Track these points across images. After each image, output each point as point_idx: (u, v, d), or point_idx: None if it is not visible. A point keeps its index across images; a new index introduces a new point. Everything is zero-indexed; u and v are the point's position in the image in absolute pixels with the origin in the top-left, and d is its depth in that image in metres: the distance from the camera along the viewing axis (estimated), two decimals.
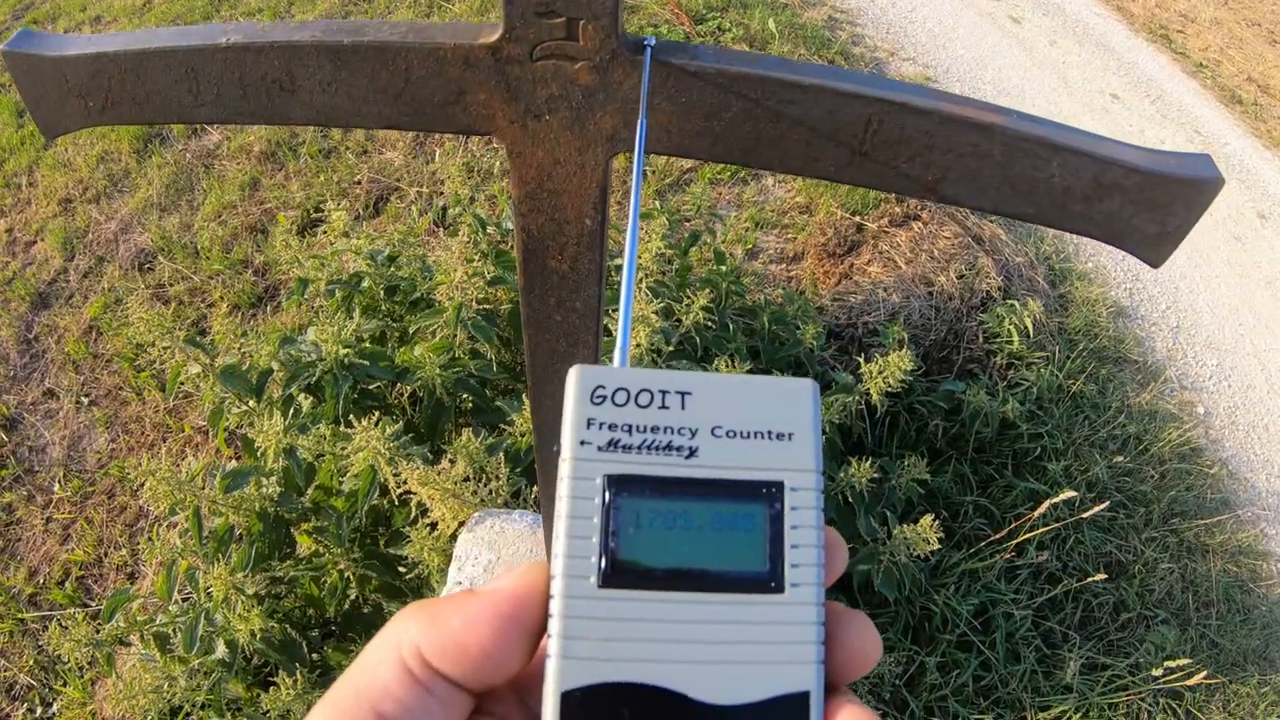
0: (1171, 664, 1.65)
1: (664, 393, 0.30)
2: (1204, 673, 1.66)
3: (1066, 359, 2.50)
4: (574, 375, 0.30)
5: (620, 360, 0.35)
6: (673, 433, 0.29)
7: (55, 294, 2.87)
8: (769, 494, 0.29)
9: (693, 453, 0.29)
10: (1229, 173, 3.87)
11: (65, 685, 1.91)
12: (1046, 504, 1.56)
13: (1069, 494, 1.54)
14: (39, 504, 2.29)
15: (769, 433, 0.30)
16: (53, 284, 2.91)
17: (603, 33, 0.49)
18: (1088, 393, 2.48)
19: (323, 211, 2.85)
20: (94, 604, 2.09)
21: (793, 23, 3.95)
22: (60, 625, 1.42)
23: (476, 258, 1.66)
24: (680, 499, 0.29)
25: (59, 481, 2.32)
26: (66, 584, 2.11)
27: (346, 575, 1.39)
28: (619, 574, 0.28)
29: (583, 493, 0.28)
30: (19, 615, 2.07)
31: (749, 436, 0.30)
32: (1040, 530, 1.84)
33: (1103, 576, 1.75)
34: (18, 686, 1.98)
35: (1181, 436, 2.55)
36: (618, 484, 0.28)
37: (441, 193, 2.93)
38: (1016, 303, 2.42)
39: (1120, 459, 2.25)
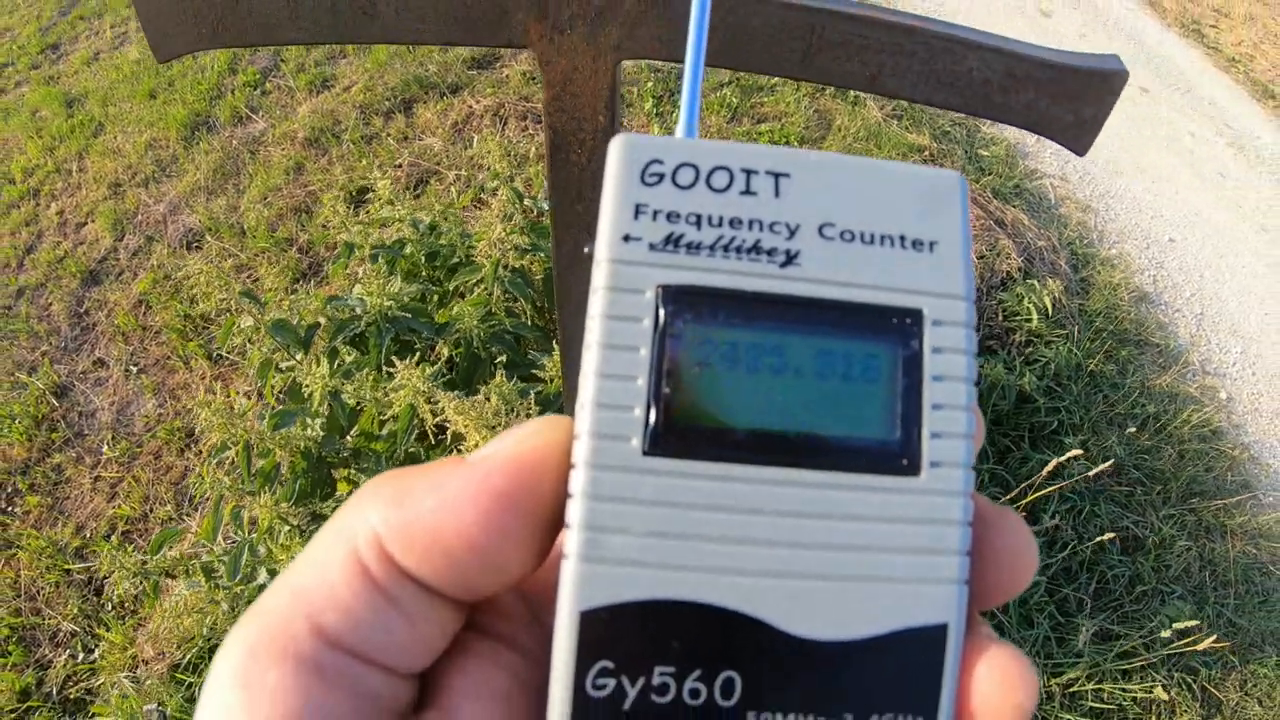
0: (1179, 625, 1.69)
1: (750, 172, 0.22)
2: (1213, 637, 1.70)
3: (1086, 340, 2.54)
4: (617, 145, 0.22)
5: (687, 129, 0.26)
6: (762, 229, 0.21)
7: (105, 271, 3.04)
8: (902, 327, 0.21)
9: (791, 259, 0.21)
10: (1259, 166, 3.87)
11: (108, 630, 2.04)
12: (1054, 462, 1.61)
13: (1075, 452, 1.59)
14: (87, 465, 2.44)
15: (901, 238, 0.21)
16: (103, 262, 3.07)
17: None
18: (1107, 372, 2.52)
19: (365, 194, 3.00)
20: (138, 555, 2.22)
21: None
22: (106, 552, 1.54)
23: (512, 224, 1.77)
24: (771, 326, 0.21)
25: (107, 444, 2.46)
26: (113, 537, 2.25)
27: None
28: (675, 436, 0.20)
29: (625, 311, 0.20)
30: (65, 566, 2.21)
31: (872, 241, 0.21)
32: (1049, 489, 1.89)
33: (1111, 535, 1.80)
34: (61, 634, 2.11)
35: (1202, 417, 2.57)
36: (678, 299, 0.20)
37: (480, 175, 3.06)
38: (1036, 282, 2.47)
39: (1133, 430, 2.29)
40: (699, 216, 0.21)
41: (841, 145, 3.01)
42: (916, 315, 0.21)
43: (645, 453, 0.20)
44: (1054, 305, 2.48)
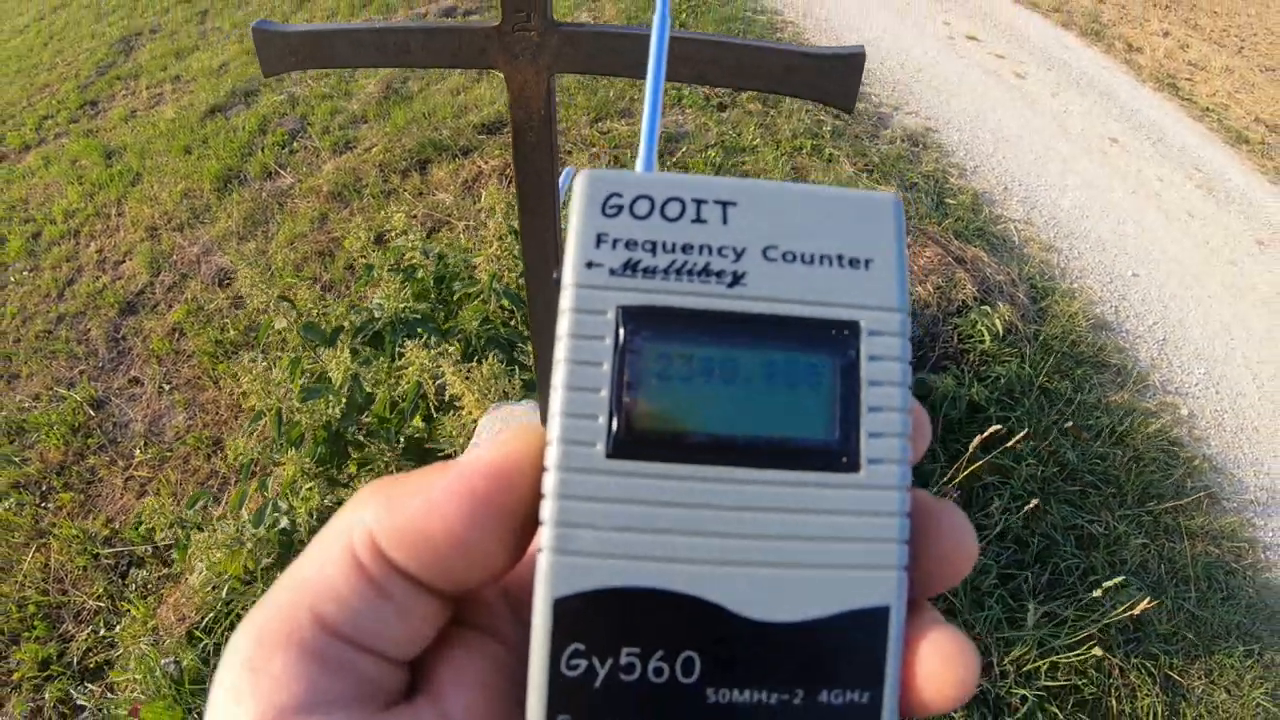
0: (1108, 584, 1.92)
1: (700, 202, 0.25)
2: (1147, 599, 1.92)
3: (1038, 358, 2.84)
4: (581, 180, 0.25)
5: (645, 164, 0.30)
6: (711, 253, 0.24)
7: (142, 303, 3.45)
8: (840, 338, 0.24)
9: (738, 279, 0.24)
10: (1229, 205, 4.22)
11: (131, 605, 2.31)
12: (978, 438, 1.89)
13: (995, 427, 1.87)
14: (119, 467, 2.77)
15: (839, 257, 0.25)
16: (140, 295, 3.49)
17: (542, 17, 1.01)
18: (1061, 389, 2.80)
19: (383, 239, 3.41)
20: (164, 544, 2.52)
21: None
22: (147, 506, 1.85)
23: (504, 244, 2.14)
24: (721, 341, 0.24)
25: (139, 449, 2.80)
26: (140, 527, 2.55)
27: (391, 468, 1.81)
28: (635, 441, 0.23)
29: (589, 330, 0.23)
30: (94, 551, 2.50)
31: (812, 261, 0.24)
32: (980, 463, 2.15)
33: (1035, 503, 2.05)
34: (85, 611, 2.38)
35: (1159, 429, 2.83)
36: (636, 318, 0.23)
37: (486, 224, 3.48)
38: (990, 308, 2.80)
39: (1081, 433, 2.56)
40: (654, 243, 0.24)
41: None
42: (854, 327, 0.24)
43: (609, 456, 0.23)
44: (1008, 329, 2.79)
